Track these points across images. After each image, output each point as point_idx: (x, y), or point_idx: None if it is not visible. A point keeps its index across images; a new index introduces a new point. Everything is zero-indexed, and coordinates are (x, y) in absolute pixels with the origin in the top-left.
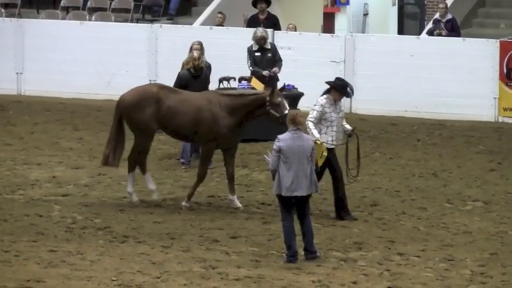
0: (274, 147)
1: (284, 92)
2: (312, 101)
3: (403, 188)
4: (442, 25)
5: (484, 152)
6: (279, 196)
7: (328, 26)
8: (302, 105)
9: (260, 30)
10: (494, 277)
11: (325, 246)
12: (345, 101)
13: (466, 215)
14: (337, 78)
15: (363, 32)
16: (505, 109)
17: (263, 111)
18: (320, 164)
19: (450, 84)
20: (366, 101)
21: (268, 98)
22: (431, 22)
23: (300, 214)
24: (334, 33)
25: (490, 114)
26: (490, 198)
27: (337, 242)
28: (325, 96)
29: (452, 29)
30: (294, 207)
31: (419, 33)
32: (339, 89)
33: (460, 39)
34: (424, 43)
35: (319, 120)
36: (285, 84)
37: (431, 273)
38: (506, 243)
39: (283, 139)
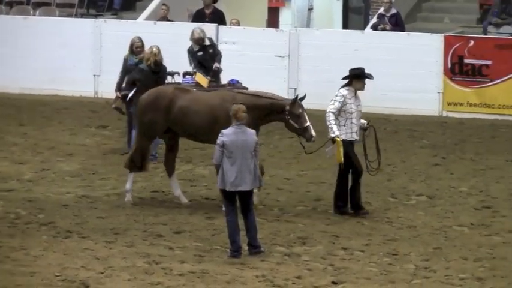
0: (218, 142)
1: (228, 87)
2: None
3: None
4: (387, 20)
5: (428, 146)
6: (223, 191)
7: (272, 20)
8: None
9: (197, 31)
10: (438, 271)
11: (269, 241)
12: (288, 95)
13: (410, 209)
14: (352, 69)
15: (308, 26)
16: (449, 103)
17: (280, 118)
18: (341, 160)
19: (395, 79)
20: (310, 96)
21: (287, 107)
22: (375, 17)
23: (243, 209)
24: (278, 27)
25: (435, 109)
26: (434, 193)
27: (281, 236)
28: (346, 88)
29: (397, 24)
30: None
31: (364, 28)
32: (361, 75)
33: (404, 33)
34: (368, 38)
35: (339, 112)
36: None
37: (375, 267)
38: (450, 237)
39: (227, 134)
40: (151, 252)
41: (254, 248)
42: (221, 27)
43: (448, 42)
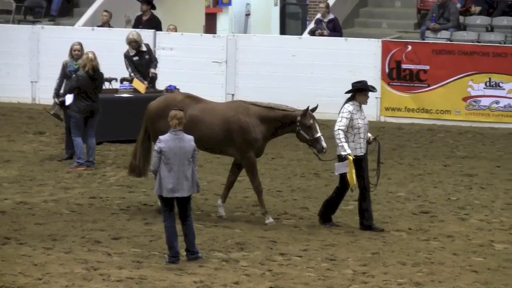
0: (155, 148)
1: (166, 93)
2: None
3: (285, 188)
4: (324, 25)
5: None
6: (161, 197)
7: (210, 26)
8: None
9: (133, 33)
10: (376, 276)
11: (207, 246)
12: (226, 100)
13: (348, 214)
14: (355, 83)
15: (245, 32)
16: (386, 109)
17: (292, 129)
18: (354, 183)
19: (332, 84)
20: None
21: (299, 118)
22: (313, 22)
23: (181, 215)
24: (216, 33)
25: (372, 114)
26: (372, 198)
27: (219, 242)
28: (350, 102)
29: (334, 29)
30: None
31: (301, 33)
32: (366, 88)
33: (342, 39)
34: (306, 43)
35: (347, 129)
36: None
37: (313, 273)
38: (388, 242)
39: (164, 140)
40: (89, 258)
41: (192, 254)
42: (158, 33)
43: (386, 47)
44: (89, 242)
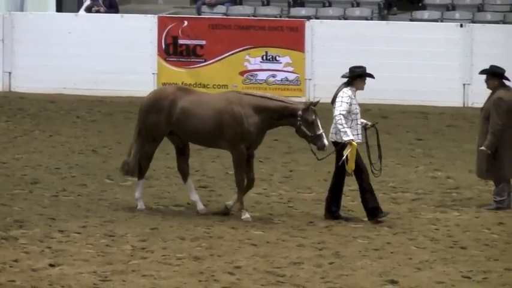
0: None
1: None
2: None
3: (63, 165)
4: (100, 2)
5: None
6: None
7: None
8: None
9: None
10: (155, 252)
11: None
12: (3, 79)
13: (126, 190)
14: (355, 67)
15: (22, 10)
16: (163, 84)
17: (291, 123)
18: (353, 168)
19: (108, 61)
20: (25, 79)
21: (300, 113)
22: None
23: None
24: None
25: (149, 90)
26: (151, 173)
27: None
28: (349, 87)
29: (111, 6)
30: None
31: (78, 10)
32: (366, 74)
33: (118, 15)
34: (82, 20)
35: (347, 114)
36: None
37: (92, 249)
38: (167, 218)
39: None
40: None
41: None
42: None
43: (162, 23)
44: None
